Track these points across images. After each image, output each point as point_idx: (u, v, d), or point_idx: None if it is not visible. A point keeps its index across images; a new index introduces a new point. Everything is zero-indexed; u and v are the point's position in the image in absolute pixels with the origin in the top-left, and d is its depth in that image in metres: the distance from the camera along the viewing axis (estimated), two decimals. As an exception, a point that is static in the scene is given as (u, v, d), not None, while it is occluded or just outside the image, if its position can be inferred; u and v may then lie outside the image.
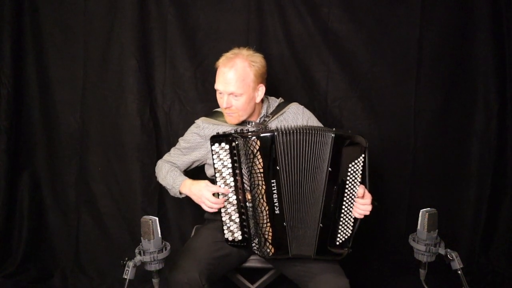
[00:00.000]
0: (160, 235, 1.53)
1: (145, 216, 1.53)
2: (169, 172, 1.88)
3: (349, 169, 1.62)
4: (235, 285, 1.93)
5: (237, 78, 1.73)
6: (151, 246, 1.52)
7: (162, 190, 2.43)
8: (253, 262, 1.86)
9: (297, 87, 2.40)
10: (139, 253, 1.53)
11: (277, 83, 2.34)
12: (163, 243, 1.56)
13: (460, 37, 2.39)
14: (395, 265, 2.50)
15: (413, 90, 2.41)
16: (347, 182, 1.63)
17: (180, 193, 1.84)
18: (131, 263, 1.50)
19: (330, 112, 2.41)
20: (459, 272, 1.58)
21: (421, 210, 1.60)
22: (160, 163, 1.99)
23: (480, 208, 2.50)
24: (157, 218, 1.52)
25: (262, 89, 1.82)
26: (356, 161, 1.63)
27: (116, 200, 2.43)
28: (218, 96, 1.83)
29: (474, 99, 2.44)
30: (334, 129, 1.63)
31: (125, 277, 1.48)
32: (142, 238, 1.53)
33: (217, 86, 1.79)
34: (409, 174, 2.48)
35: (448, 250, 1.60)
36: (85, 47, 2.33)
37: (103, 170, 2.41)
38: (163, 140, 2.41)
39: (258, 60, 1.80)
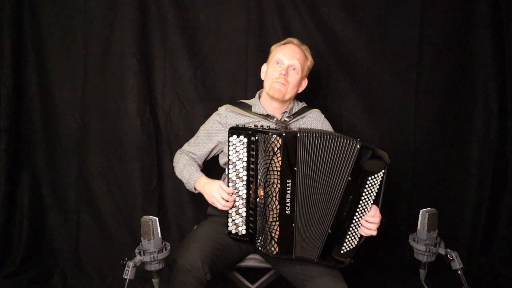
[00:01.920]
0: (160, 235, 1.53)
1: (145, 216, 1.53)
2: (186, 166, 1.89)
3: (368, 182, 1.61)
4: (235, 285, 1.93)
5: (300, 56, 1.89)
6: (151, 246, 1.52)
7: (162, 190, 2.43)
8: (253, 262, 1.86)
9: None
10: (139, 253, 1.54)
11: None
12: (163, 243, 1.56)
13: (460, 37, 2.39)
14: (395, 265, 2.50)
15: (413, 90, 2.42)
16: (363, 194, 1.62)
17: (195, 189, 1.85)
18: (131, 263, 1.50)
19: (330, 112, 2.41)
20: (459, 272, 1.59)
21: (421, 210, 1.60)
22: (178, 154, 2.00)
23: (480, 208, 2.51)
24: (157, 218, 1.52)
25: (305, 82, 1.96)
26: (375, 175, 1.62)
27: (116, 200, 2.43)
28: (272, 67, 1.88)
29: (474, 99, 2.44)
30: (358, 139, 1.61)
31: (125, 277, 1.48)
32: (142, 238, 1.53)
33: (281, 57, 1.87)
34: (409, 174, 2.48)
35: (448, 250, 1.60)
36: (85, 47, 2.34)
37: (103, 170, 2.41)
38: (163, 140, 2.41)
39: (311, 57, 1.96)
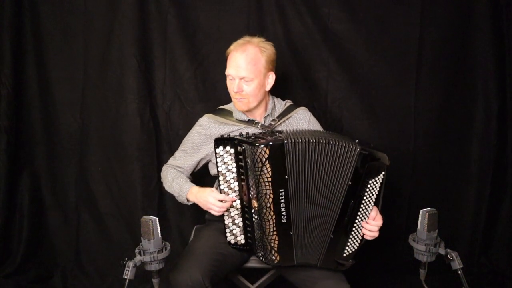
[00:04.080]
0: (160, 235, 1.53)
1: (145, 216, 1.53)
2: (175, 179, 1.85)
3: (368, 185, 1.59)
4: (236, 285, 1.93)
5: (248, 62, 1.76)
6: (151, 246, 1.52)
7: (162, 190, 2.43)
8: (254, 262, 1.86)
9: (297, 87, 2.40)
10: (139, 253, 1.54)
11: (277, 83, 2.33)
12: (163, 243, 1.56)
13: (460, 37, 2.39)
14: (395, 265, 2.50)
15: (413, 90, 2.41)
16: (364, 197, 1.60)
17: (188, 200, 1.81)
18: (131, 263, 1.50)
19: (330, 112, 2.41)
20: (459, 272, 1.59)
21: (421, 210, 1.60)
22: (165, 169, 1.96)
23: (480, 208, 2.50)
24: (157, 218, 1.52)
25: (272, 77, 1.84)
26: (376, 178, 1.59)
27: (116, 200, 2.43)
28: (228, 82, 1.83)
29: (474, 99, 2.44)
30: (357, 141, 1.58)
31: (125, 277, 1.49)
32: (142, 238, 1.53)
33: (229, 71, 1.80)
34: (409, 174, 2.48)
35: (448, 250, 1.60)
36: (85, 47, 2.34)
37: (103, 170, 2.41)
38: (163, 140, 2.41)
39: (268, 47, 1.83)
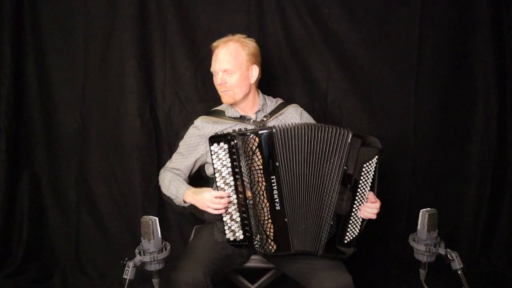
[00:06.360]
0: (160, 235, 1.53)
1: (145, 216, 1.53)
2: (171, 182, 1.86)
3: (363, 169, 1.63)
4: (236, 285, 1.93)
5: (229, 55, 1.83)
6: (151, 246, 1.52)
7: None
8: (254, 262, 1.86)
9: (297, 87, 2.40)
10: (139, 253, 1.54)
11: (277, 83, 2.34)
12: (163, 243, 1.56)
13: (460, 37, 2.39)
14: (395, 265, 2.50)
15: (413, 90, 2.41)
16: (360, 182, 1.64)
17: (185, 202, 1.82)
18: (131, 263, 1.50)
19: (330, 112, 2.41)
20: (459, 272, 1.59)
21: (421, 210, 1.60)
22: (162, 172, 1.97)
23: (480, 208, 2.50)
24: (157, 218, 1.52)
25: (256, 70, 1.88)
26: (370, 162, 1.64)
27: (116, 200, 2.43)
28: (214, 79, 1.88)
29: (474, 99, 2.44)
30: (348, 128, 1.63)
31: (125, 277, 1.49)
32: (142, 238, 1.53)
33: (213, 67, 1.87)
34: (409, 174, 2.48)
35: (448, 250, 1.60)
36: (85, 47, 2.33)
37: (103, 170, 2.41)
38: (163, 140, 2.41)
39: (250, 42, 1.89)
